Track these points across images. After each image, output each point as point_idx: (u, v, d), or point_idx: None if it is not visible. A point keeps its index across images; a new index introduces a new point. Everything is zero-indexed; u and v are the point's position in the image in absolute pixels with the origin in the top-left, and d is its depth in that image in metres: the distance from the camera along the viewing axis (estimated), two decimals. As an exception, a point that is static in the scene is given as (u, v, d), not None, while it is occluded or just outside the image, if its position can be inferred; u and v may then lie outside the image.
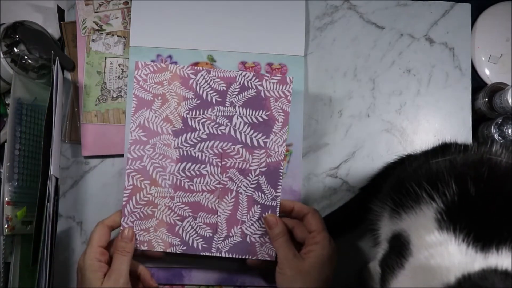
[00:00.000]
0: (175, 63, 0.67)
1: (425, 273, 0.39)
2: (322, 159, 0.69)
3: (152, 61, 0.67)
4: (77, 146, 0.67)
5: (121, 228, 0.60)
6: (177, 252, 0.61)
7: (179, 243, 0.61)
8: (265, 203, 0.61)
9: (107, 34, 0.68)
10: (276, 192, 0.61)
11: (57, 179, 0.60)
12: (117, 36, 0.68)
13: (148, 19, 0.67)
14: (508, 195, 0.40)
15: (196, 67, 0.62)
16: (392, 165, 0.64)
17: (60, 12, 0.69)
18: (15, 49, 0.64)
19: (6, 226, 0.59)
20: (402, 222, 0.45)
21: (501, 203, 0.40)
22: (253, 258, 0.61)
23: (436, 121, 0.71)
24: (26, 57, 0.64)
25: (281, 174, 0.61)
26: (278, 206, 0.61)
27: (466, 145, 0.50)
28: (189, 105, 0.60)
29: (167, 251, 0.61)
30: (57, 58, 0.61)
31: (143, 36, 0.67)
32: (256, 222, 0.61)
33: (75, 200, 0.66)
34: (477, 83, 0.73)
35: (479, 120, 0.72)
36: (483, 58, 0.74)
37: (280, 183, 0.61)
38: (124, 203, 0.60)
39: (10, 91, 0.62)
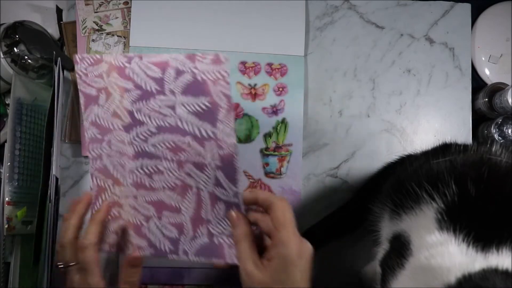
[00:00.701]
0: None
1: (426, 273, 0.39)
2: (322, 159, 0.69)
3: None
4: (77, 146, 0.67)
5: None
6: (146, 255, 0.56)
7: (147, 245, 0.56)
8: (228, 199, 0.53)
9: (107, 34, 0.68)
10: (236, 188, 0.52)
11: (57, 179, 0.60)
12: (117, 36, 0.68)
13: (148, 19, 0.67)
14: (508, 195, 0.40)
15: (128, 54, 0.55)
16: (392, 165, 0.64)
17: (59, 11, 0.69)
18: (15, 49, 0.64)
19: (7, 226, 0.59)
20: (402, 223, 0.45)
21: (501, 203, 0.40)
22: (221, 261, 0.53)
23: (436, 121, 0.71)
24: (26, 57, 0.64)
25: (237, 168, 0.52)
26: (241, 204, 0.52)
27: (466, 145, 0.50)
28: (132, 97, 0.54)
29: (136, 254, 0.56)
30: (59, 58, 0.61)
31: (143, 36, 0.67)
32: (222, 221, 0.53)
33: (75, 200, 0.66)
34: (477, 83, 0.73)
35: (479, 120, 0.72)
36: (483, 58, 0.74)
37: (237, 178, 0.52)
38: (92, 205, 0.57)
39: (10, 91, 0.62)
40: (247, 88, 0.67)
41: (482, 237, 0.38)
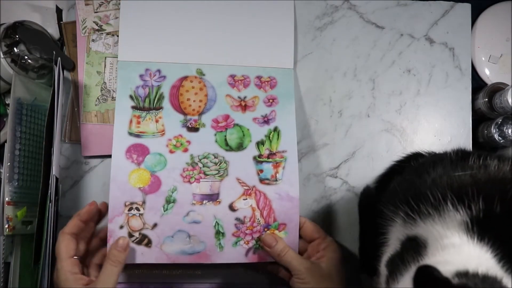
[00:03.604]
0: (164, 77, 0.66)
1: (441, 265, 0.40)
2: (322, 159, 0.69)
3: (141, 75, 0.65)
4: (77, 146, 0.67)
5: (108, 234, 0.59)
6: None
7: None
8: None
9: (107, 34, 0.68)
10: None
11: (57, 179, 0.60)
12: (117, 36, 0.68)
13: (137, 34, 0.66)
14: None
15: None
16: (398, 164, 0.65)
17: (58, 11, 0.69)
18: (15, 49, 0.64)
19: (7, 226, 0.59)
20: (417, 228, 0.46)
21: None
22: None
23: (436, 121, 0.71)
24: (26, 57, 0.64)
25: None
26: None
27: (486, 160, 0.51)
28: None
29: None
30: (59, 58, 0.61)
31: (132, 50, 0.66)
32: None
33: (75, 200, 0.66)
34: (477, 83, 0.73)
35: (479, 120, 0.72)
36: (483, 58, 0.74)
37: None
38: None
39: (10, 91, 0.62)
40: (236, 101, 0.66)
41: (504, 254, 0.40)
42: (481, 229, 0.42)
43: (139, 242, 0.61)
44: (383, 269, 0.49)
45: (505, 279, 0.38)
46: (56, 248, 0.56)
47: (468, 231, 0.42)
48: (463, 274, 0.37)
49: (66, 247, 0.55)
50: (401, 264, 0.43)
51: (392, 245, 0.49)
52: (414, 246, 0.44)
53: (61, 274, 0.54)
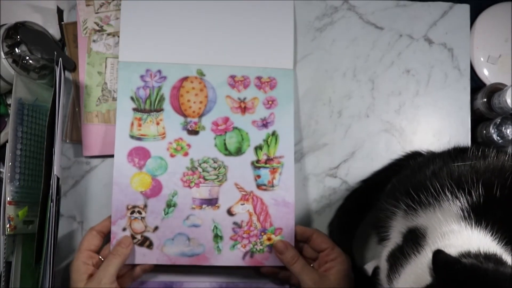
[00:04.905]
0: (165, 77, 0.66)
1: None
2: (322, 159, 0.69)
3: (141, 76, 0.66)
4: (78, 146, 0.67)
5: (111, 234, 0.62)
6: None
7: None
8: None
9: (108, 34, 0.68)
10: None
11: (58, 178, 0.60)
12: (118, 36, 0.68)
13: (137, 34, 0.67)
14: None
15: None
16: (397, 162, 0.66)
17: (60, 12, 0.69)
18: (16, 49, 0.64)
19: (8, 225, 0.59)
20: (418, 219, 0.47)
21: None
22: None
23: (435, 121, 0.71)
24: (27, 57, 0.65)
25: None
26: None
27: (484, 151, 0.52)
28: None
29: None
30: (60, 59, 0.61)
31: (133, 51, 0.66)
32: None
33: (76, 200, 0.67)
34: (476, 84, 0.74)
35: (478, 120, 0.73)
36: (481, 59, 0.74)
37: None
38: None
39: (12, 91, 0.63)
40: (236, 102, 0.66)
41: (504, 234, 0.41)
42: (481, 214, 0.43)
43: (141, 244, 0.62)
44: (383, 264, 0.49)
45: (505, 256, 0.39)
46: (80, 241, 0.61)
47: (467, 217, 0.43)
48: (466, 255, 0.38)
49: (88, 241, 0.60)
50: (401, 257, 0.44)
51: (393, 239, 0.51)
52: (414, 237, 0.45)
53: (74, 263, 0.59)
